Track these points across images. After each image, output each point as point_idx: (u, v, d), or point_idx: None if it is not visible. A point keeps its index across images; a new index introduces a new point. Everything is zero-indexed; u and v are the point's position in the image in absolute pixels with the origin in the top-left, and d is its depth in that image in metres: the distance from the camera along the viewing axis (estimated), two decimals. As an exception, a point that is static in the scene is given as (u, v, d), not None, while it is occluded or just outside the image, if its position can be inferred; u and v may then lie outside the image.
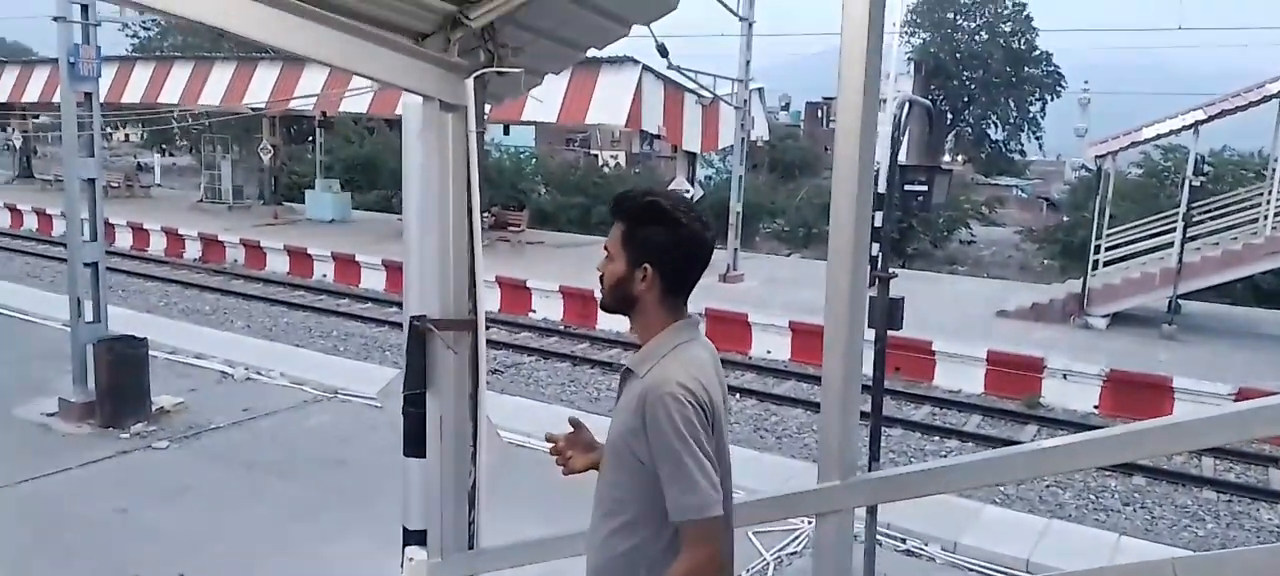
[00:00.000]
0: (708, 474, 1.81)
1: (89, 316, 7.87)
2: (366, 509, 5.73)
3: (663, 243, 1.93)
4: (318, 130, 27.42)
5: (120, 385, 7.59)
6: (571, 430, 2.24)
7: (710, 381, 1.91)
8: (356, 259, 18.04)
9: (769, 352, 13.25)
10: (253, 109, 22.05)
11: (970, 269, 26.15)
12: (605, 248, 2.01)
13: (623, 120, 17.75)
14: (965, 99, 49.93)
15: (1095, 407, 11.30)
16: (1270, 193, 14.76)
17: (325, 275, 18.42)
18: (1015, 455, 2.46)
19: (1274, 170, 15.02)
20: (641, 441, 1.86)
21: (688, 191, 18.21)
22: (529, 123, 23.59)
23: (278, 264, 19.28)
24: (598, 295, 2.06)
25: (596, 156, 44.41)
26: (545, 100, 17.17)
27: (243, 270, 19.20)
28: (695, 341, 1.99)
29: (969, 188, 37.41)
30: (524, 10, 3.06)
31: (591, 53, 3.96)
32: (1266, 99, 14.97)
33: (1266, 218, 14.67)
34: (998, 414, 11.13)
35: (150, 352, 7.98)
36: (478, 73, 2.98)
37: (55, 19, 7.61)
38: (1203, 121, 14.96)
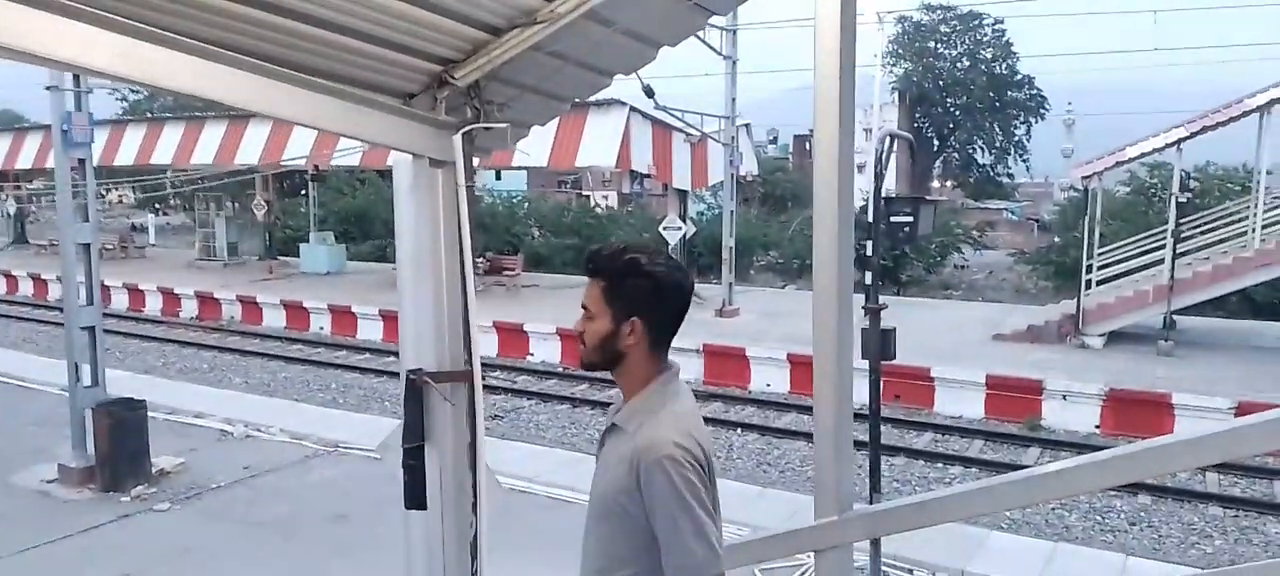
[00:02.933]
0: (708, 536, 1.80)
1: (87, 380, 7.89)
2: (370, 564, 5.72)
3: (647, 296, 1.93)
4: (310, 184, 27.59)
5: (120, 448, 7.57)
6: None
7: (701, 433, 1.90)
8: (352, 310, 18.07)
9: (768, 386, 13.26)
10: (245, 166, 22.19)
11: (965, 293, 26.21)
12: (584, 306, 1.99)
13: (612, 161, 17.91)
14: (951, 125, 50.37)
15: (1097, 427, 11.30)
16: (1256, 206, 14.90)
17: (322, 327, 18.43)
18: (1013, 482, 2.49)
19: (1258, 183, 15.17)
20: (636, 501, 1.84)
21: (680, 228, 18.33)
22: (520, 168, 23.77)
23: (274, 318, 19.29)
24: (581, 353, 2.04)
25: (588, 197, 44.64)
26: (535, 144, 17.37)
27: (240, 326, 19.21)
28: (683, 392, 1.99)
29: (959, 212, 37.60)
30: (508, 67, 3.14)
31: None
32: (1246, 114, 15.18)
33: (1254, 231, 14.79)
34: (999, 437, 11.13)
35: (149, 414, 7.98)
36: (465, 129, 3.05)
37: (48, 88, 7.71)
38: (1185, 138, 15.14)
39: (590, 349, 1.98)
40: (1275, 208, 15.46)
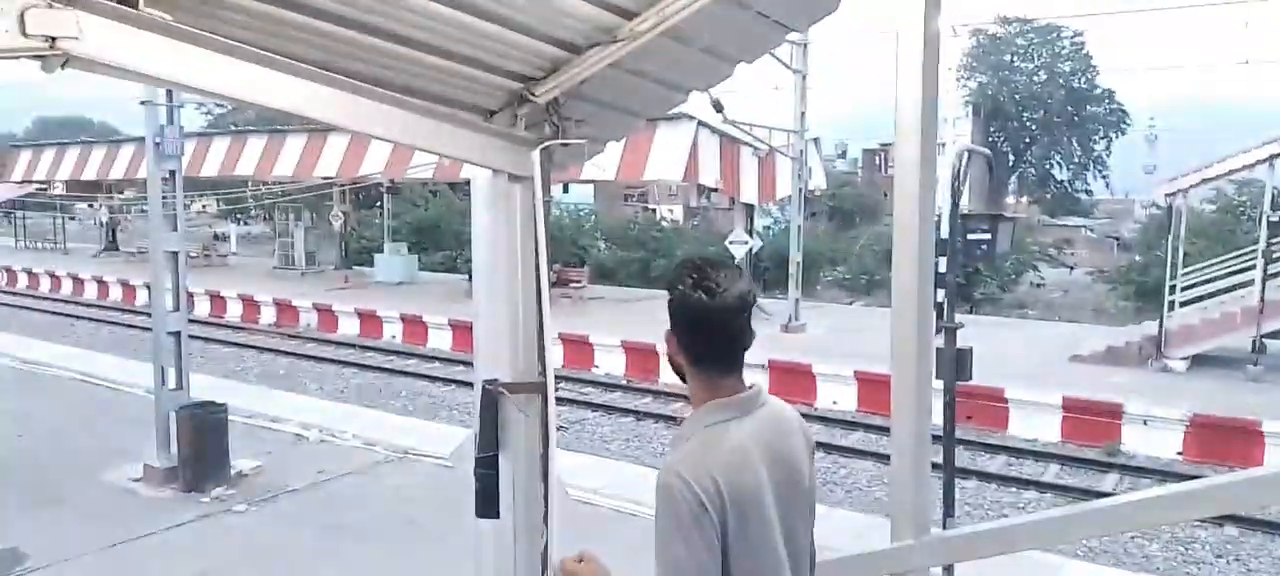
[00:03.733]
0: (687, 570, 1.75)
1: (172, 384, 8.20)
2: (440, 569, 5.81)
3: (675, 313, 1.92)
4: (385, 196, 28.27)
5: (201, 450, 7.85)
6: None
7: (736, 468, 1.82)
8: (424, 319, 18.42)
9: (835, 403, 13.09)
10: (324, 179, 22.85)
11: (1041, 312, 25.51)
12: None
13: (680, 175, 17.93)
14: (1027, 140, 49.17)
15: (1179, 454, 10.86)
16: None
17: (394, 336, 18.83)
18: (1092, 511, 2.42)
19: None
20: (657, 516, 1.83)
21: (746, 242, 18.24)
22: (587, 181, 23.98)
23: (349, 326, 19.79)
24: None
25: (654, 210, 44.75)
26: (604, 158, 17.49)
27: (315, 333, 19.76)
28: (740, 419, 1.90)
29: (1035, 229, 36.65)
30: (587, 84, 3.17)
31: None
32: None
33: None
34: (1076, 462, 10.78)
35: (229, 417, 8.26)
36: (544, 145, 3.09)
37: (142, 103, 8.06)
38: (1277, 155, 14.52)
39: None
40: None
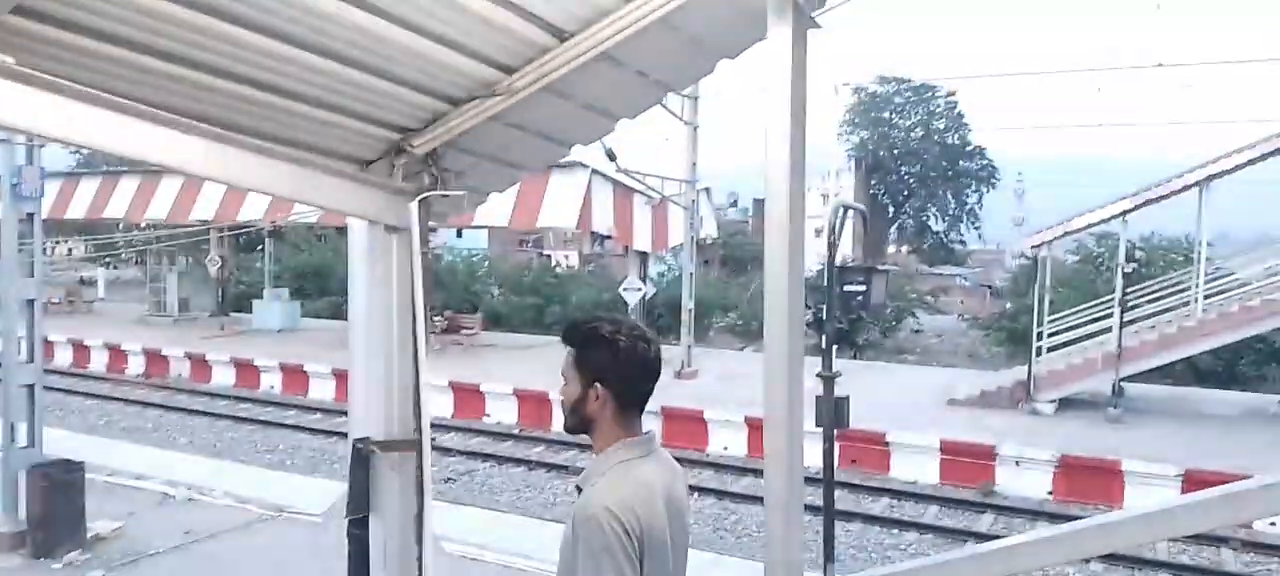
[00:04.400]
0: None
1: (23, 441, 7.62)
2: (313, 634, 5.54)
3: (608, 363, 2.03)
4: (267, 240, 27.27)
5: (54, 512, 7.31)
6: None
7: (648, 504, 1.93)
8: (305, 368, 17.75)
9: (726, 448, 13.24)
10: (200, 222, 21.89)
11: (920, 357, 26.54)
12: (562, 374, 2.09)
13: (574, 222, 17.99)
14: (906, 193, 51.51)
15: (1049, 493, 11.41)
16: (1198, 277, 15.37)
17: (273, 386, 18.06)
18: (966, 557, 2.51)
19: (1199, 255, 15.66)
20: (576, 556, 1.90)
21: (640, 289, 18.39)
22: (480, 227, 23.77)
23: (224, 376, 18.88)
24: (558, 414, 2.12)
25: (549, 257, 44.65)
26: (498, 205, 17.42)
27: (187, 385, 18.76)
28: (645, 459, 2.03)
29: (914, 277, 38.27)
30: (466, 137, 3.17)
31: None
32: (1187, 188, 15.73)
33: (1197, 301, 15.23)
34: (954, 503, 11.19)
35: (88, 475, 7.72)
36: (422, 196, 3.06)
37: (-2, 141, 7.58)
38: (1130, 210, 15.67)
39: (566, 414, 2.11)
40: (1216, 278, 15.96)
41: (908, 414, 13.52)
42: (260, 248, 29.81)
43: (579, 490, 2.06)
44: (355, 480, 2.75)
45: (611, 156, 15.57)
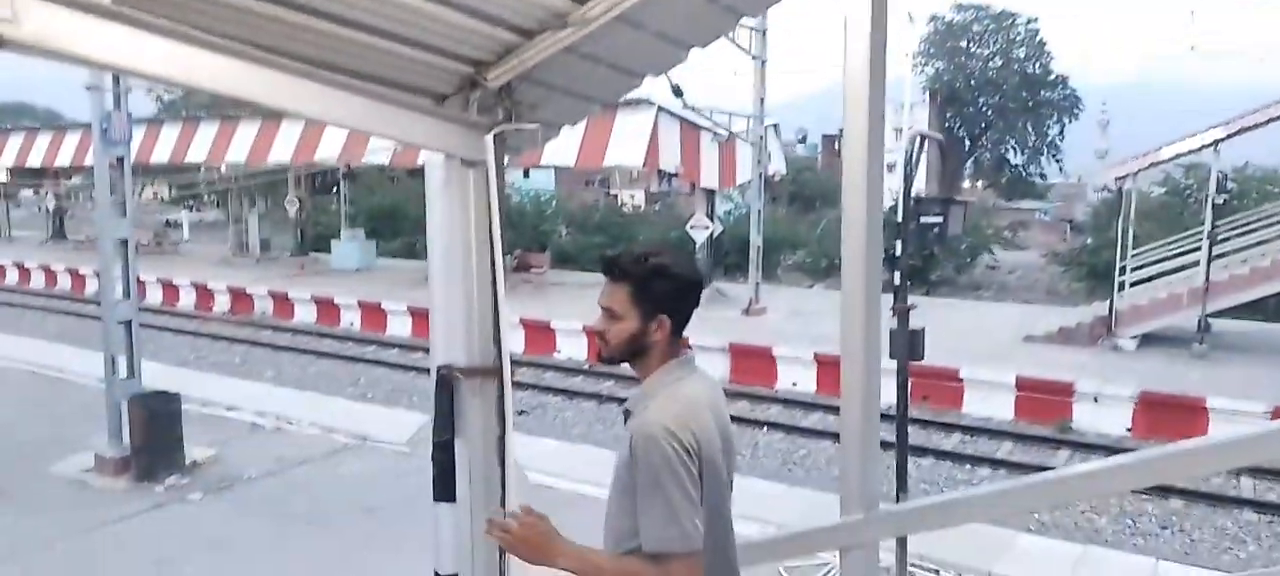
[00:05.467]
0: (680, 519, 1.88)
1: (123, 373, 8.05)
2: (399, 556, 5.80)
3: (670, 294, 2.09)
4: (342, 182, 27.91)
5: (154, 439, 7.73)
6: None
7: (701, 421, 1.99)
8: (382, 306, 18.25)
9: (794, 384, 13.22)
10: (278, 164, 22.49)
11: (996, 294, 25.95)
12: (608, 308, 2.11)
13: (640, 161, 17.94)
14: (983, 125, 49.87)
15: (1128, 430, 11.14)
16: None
17: (352, 323, 18.64)
18: (1036, 483, 2.49)
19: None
20: (633, 475, 1.95)
21: (707, 227, 18.32)
22: (547, 166, 23.87)
23: (305, 314, 19.54)
24: (602, 351, 2.17)
25: (615, 196, 44.68)
26: (564, 144, 17.45)
27: (271, 321, 19.48)
28: (691, 376, 2.10)
29: (990, 213, 37.20)
30: (539, 69, 3.17)
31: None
32: (1277, 117, 14.90)
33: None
34: (1029, 439, 11.02)
35: (183, 406, 8.13)
36: (496, 130, 3.09)
37: (88, 88, 7.87)
38: (1222, 139, 14.90)
39: (616, 347, 2.12)
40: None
41: (983, 350, 13.29)
42: (335, 190, 30.52)
43: (627, 415, 2.10)
44: (440, 404, 2.84)
45: (678, 93, 15.43)
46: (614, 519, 2.06)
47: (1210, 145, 15.02)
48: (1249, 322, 16.52)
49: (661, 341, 2.09)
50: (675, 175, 23.17)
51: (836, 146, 55.17)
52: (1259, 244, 15.42)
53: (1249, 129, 14.89)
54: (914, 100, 47.13)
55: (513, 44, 3.18)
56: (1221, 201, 14.98)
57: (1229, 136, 14.84)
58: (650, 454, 1.90)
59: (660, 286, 2.07)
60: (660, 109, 17.33)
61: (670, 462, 1.88)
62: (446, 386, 2.83)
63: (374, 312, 18.40)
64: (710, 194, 19.93)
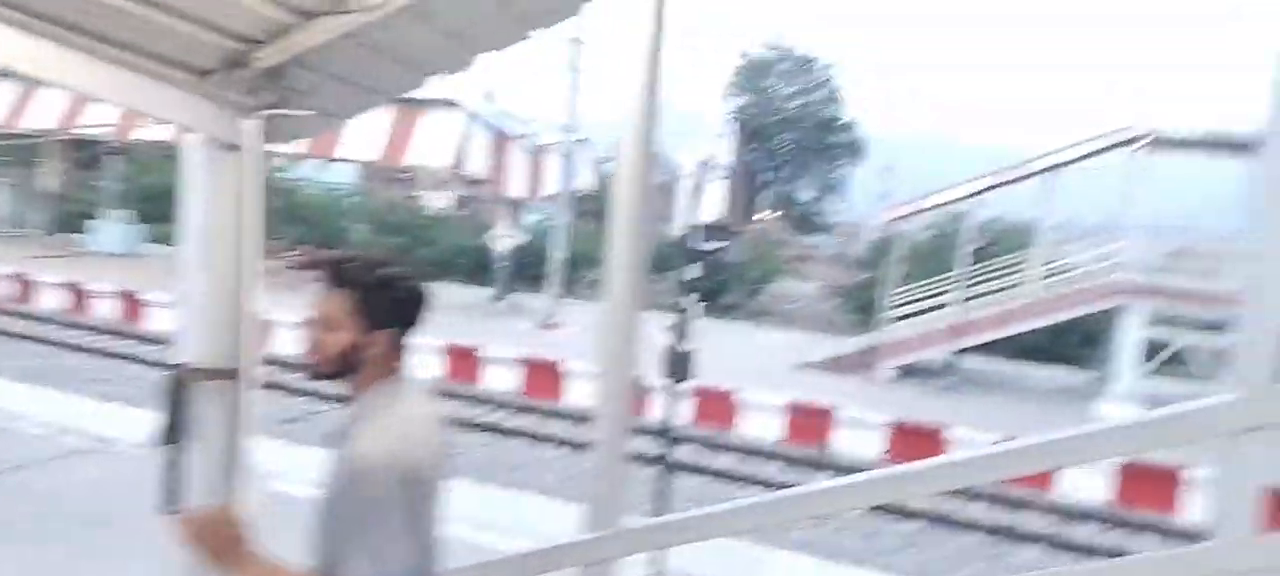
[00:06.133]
0: (399, 544, 1.82)
1: None
2: (128, 571, 5.29)
3: (397, 308, 2.00)
4: (110, 157, 25.38)
5: None
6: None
7: (420, 444, 1.92)
8: (142, 296, 16.70)
9: (584, 399, 13.32)
10: (38, 132, 20.14)
11: (781, 321, 27.47)
12: (322, 316, 2.00)
13: (446, 163, 17.59)
14: (781, 160, 52.90)
15: (885, 454, 12.08)
16: (1032, 259, 16.54)
17: (106, 313, 16.92)
18: (771, 501, 2.62)
19: (1039, 238, 16.84)
20: (349, 500, 1.85)
21: (510, 238, 18.22)
22: (347, 160, 22.87)
23: (52, 300, 17.54)
24: (313, 362, 2.04)
25: (416, 198, 43.46)
26: (368, 138, 16.78)
27: (12, 306, 17.32)
28: (409, 395, 2.01)
29: (781, 244, 39.43)
30: (316, 54, 3.01)
31: (416, 93, 3.93)
32: (1032, 175, 16.86)
33: (1032, 281, 16.39)
34: (796, 461, 11.67)
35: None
36: (261, 114, 2.90)
37: None
38: (980, 192, 16.66)
39: (330, 359, 1.98)
40: (1052, 262, 17.22)
41: (761, 373, 14.00)
42: (98, 165, 27.73)
43: (338, 436, 1.98)
44: (170, 406, 2.62)
45: (490, 98, 15.28)
46: (323, 542, 1.92)
47: (970, 196, 16.73)
48: (995, 360, 18.46)
49: (380, 357, 1.98)
50: (483, 181, 22.87)
51: (644, 168, 56.53)
52: (1003, 289, 17.30)
53: (1000, 186, 16.74)
54: (720, 131, 49.36)
55: (288, 24, 2.99)
56: (977, 248, 16.68)
57: (985, 190, 16.63)
58: (366, 483, 1.80)
59: (384, 298, 1.97)
60: (471, 113, 17.10)
61: (387, 493, 1.79)
62: (178, 387, 2.61)
63: (131, 302, 16.81)
64: (517, 204, 19.85)
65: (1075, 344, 21.03)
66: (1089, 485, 10.60)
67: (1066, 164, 16.51)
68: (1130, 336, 15.68)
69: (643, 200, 2.54)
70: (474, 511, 6.33)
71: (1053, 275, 16.55)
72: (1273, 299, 1.89)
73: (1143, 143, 15.81)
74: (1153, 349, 16.02)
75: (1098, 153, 16.30)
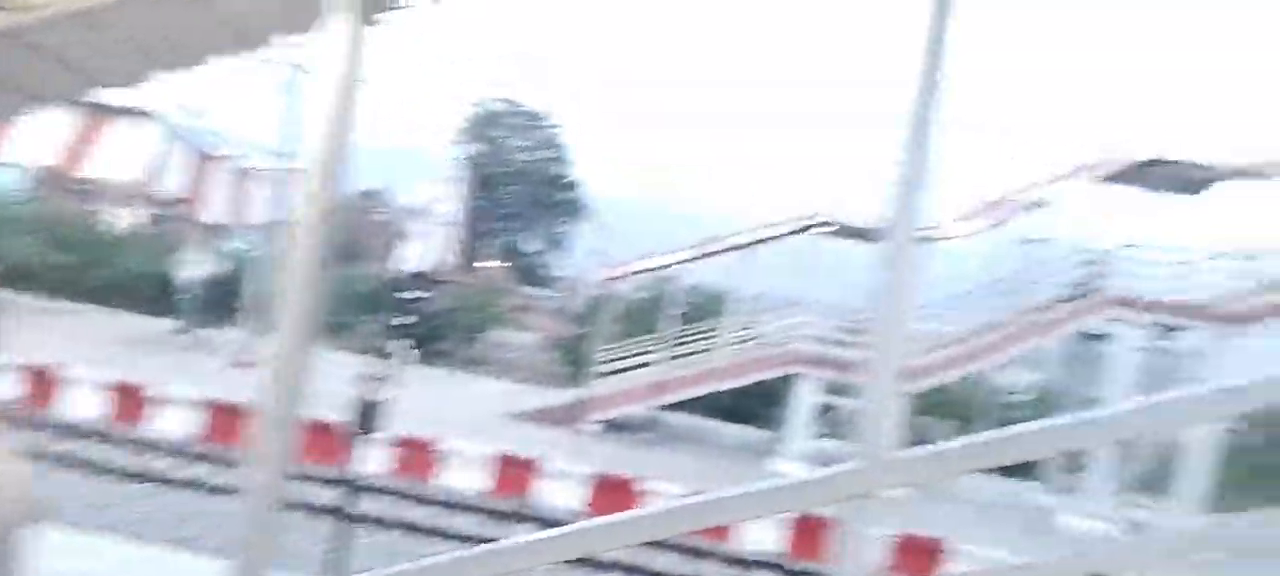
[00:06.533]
0: None
1: None
2: None
3: None
4: None
5: None
6: None
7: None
8: None
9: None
10: None
11: (497, 371, 27.44)
12: None
13: (131, 177, 15.94)
14: (508, 211, 53.40)
15: (587, 505, 12.40)
16: (726, 326, 18.02)
17: None
18: (464, 558, 2.64)
19: (735, 305, 18.35)
20: None
21: (201, 264, 16.80)
22: (11, 165, 19.98)
23: None
24: None
25: (100, 213, 38.69)
26: (46, 141, 14.79)
27: None
28: None
29: (505, 294, 39.53)
30: (-48, 45, 2.71)
31: (107, 98, 3.60)
32: (732, 249, 18.42)
33: (724, 347, 17.82)
34: (499, 515, 11.64)
35: None
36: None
37: None
38: (687, 261, 17.92)
39: None
40: (744, 329, 18.80)
41: (469, 423, 13.91)
42: None
43: None
44: None
45: (197, 114, 14.13)
46: None
47: (681, 262, 17.96)
48: (691, 417, 19.70)
49: None
50: (181, 200, 20.90)
51: (369, 200, 54.55)
52: (703, 351, 18.61)
53: (706, 256, 18.12)
54: (450, 177, 48.96)
55: (-75, 13, 2.67)
56: (682, 312, 17.85)
57: (691, 259, 17.92)
58: None
59: None
60: (172, 127, 15.68)
61: None
62: None
63: None
64: (216, 229, 18.36)
65: (760, 405, 23.02)
66: (765, 537, 11.53)
67: (760, 242, 18.26)
68: (804, 401, 17.51)
69: (322, 236, 2.52)
70: (111, 570, 5.69)
71: (743, 342, 18.12)
72: (885, 374, 2.26)
73: (823, 229, 17.90)
74: (824, 411, 17.96)
75: (785, 235, 18.21)
